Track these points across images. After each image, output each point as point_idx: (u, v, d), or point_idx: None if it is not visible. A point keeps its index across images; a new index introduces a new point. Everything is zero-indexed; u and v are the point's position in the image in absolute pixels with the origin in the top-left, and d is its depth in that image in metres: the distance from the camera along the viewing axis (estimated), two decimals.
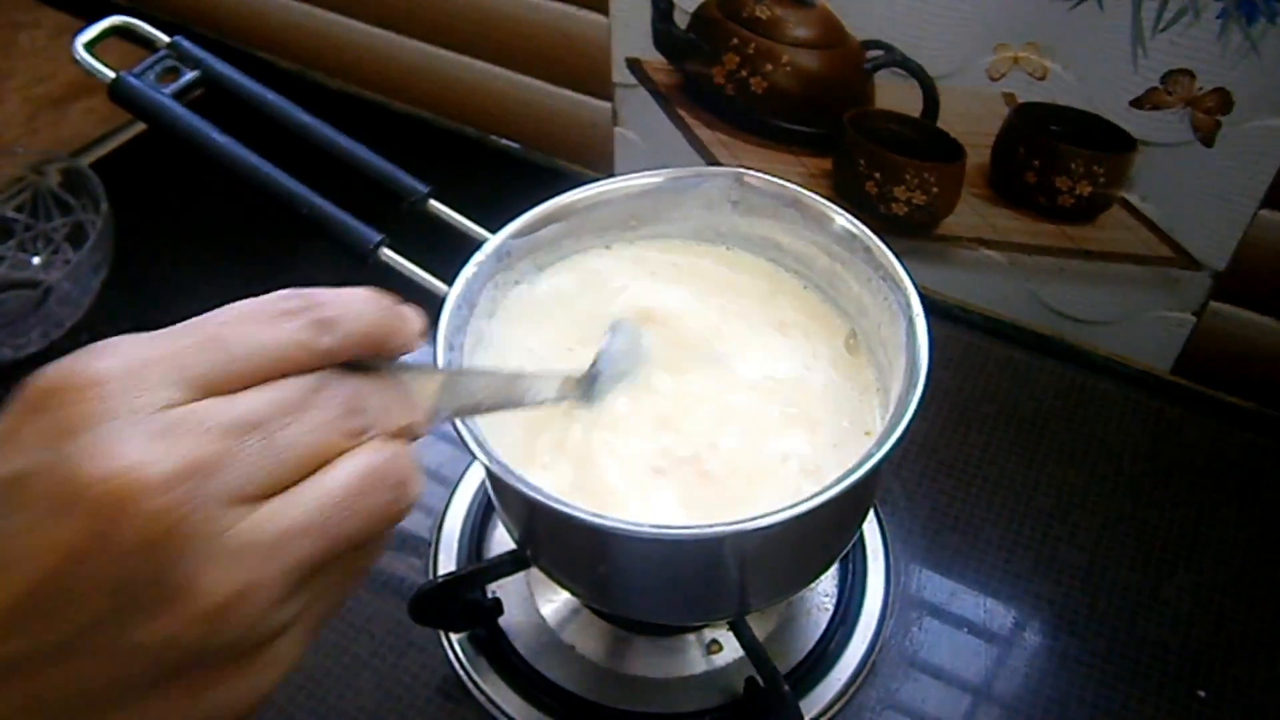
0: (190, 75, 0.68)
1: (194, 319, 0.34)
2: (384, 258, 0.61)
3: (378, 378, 0.37)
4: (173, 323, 0.33)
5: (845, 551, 0.76)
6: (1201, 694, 0.71)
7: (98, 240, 0.90)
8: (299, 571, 0.32)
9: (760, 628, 0.72)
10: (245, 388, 0.33)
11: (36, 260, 0.97)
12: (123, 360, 0.31)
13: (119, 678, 0.31)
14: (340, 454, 0.34)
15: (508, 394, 0.48)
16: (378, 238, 0.61)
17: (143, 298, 0.97)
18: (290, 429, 0.33)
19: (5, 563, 0.30)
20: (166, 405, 0.31)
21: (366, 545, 0.35)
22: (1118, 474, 0.83)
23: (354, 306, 0.36)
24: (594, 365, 0.59)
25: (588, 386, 0.58)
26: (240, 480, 0.31)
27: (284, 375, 0.34)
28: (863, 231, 0.63)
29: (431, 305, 0.59)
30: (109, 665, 0.31)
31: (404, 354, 0.38)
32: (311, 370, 0.34)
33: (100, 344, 0.32)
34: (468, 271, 0.62)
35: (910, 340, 0.57)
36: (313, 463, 0.33)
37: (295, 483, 0.33)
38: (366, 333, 0.36)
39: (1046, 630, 0.75)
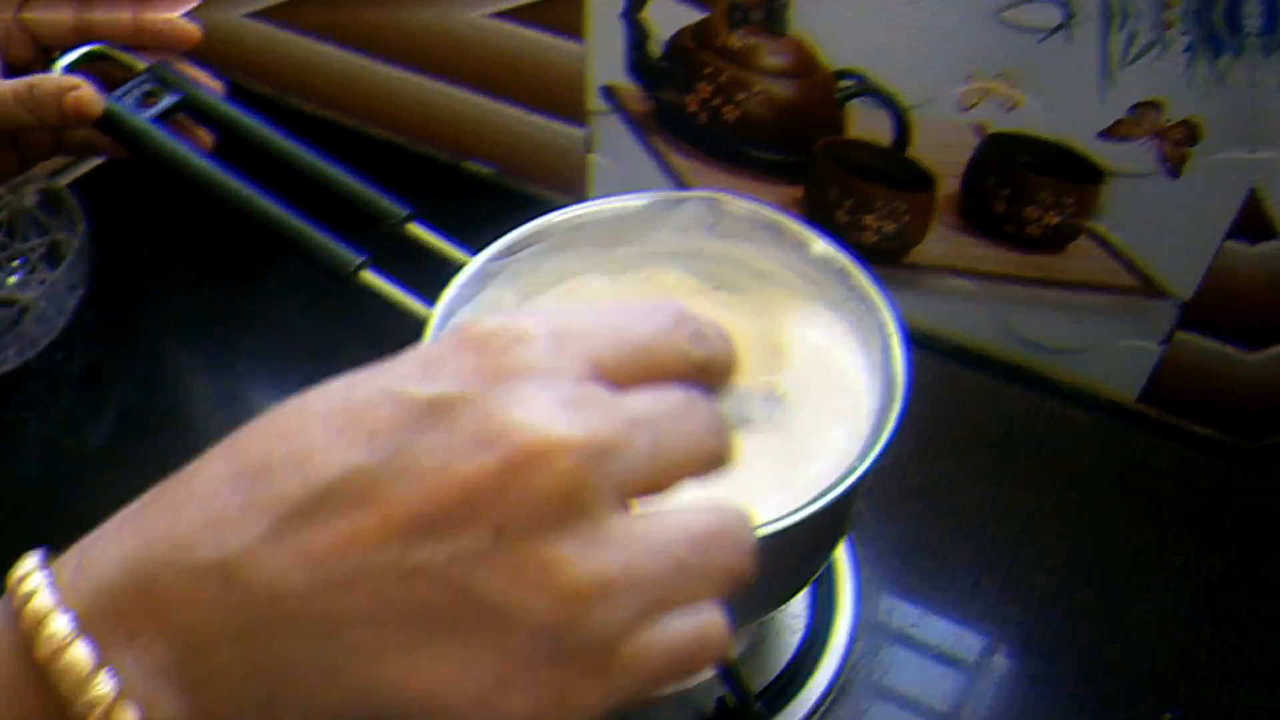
0: (172, 98, 0.68)
1: (587, 306, 0.36)
2: (365, 278, 0.62)
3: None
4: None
5: (819, 573, 0.76)
6: (1168, 716, 0.72)
7: (75, 260, 0.90)
8: (645, 596, 0.31)
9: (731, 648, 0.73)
10: (630, 382, 0.33)
11: (12, 280, 0.97)
12: (550, 325, 0.33)
13: (448, 616, 0.31)
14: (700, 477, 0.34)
15: None
16: (361, 258, 0.62)
17: (119, 317, 0.96)
18: (675, 433, 0.33)
19: (420, 473, 0.31)
20: (577, 376, 0.32)
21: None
22: (1085, 500, 0.84)
23: (720, 329, 0.36)
24: None
25: None
26: (628, 471, 0.32)
27: (661, 379, 0.34)
28: (837, 253, 0.64)
29: (411, 328, 0.60)
30: (449, 599, 0.31)
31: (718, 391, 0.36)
32: (682, 380, 0.34)
33: (526, 309, 0.34)
34: (449, 293, 0.62)
35: (887, 360, 0.58)
36: (682, 474, 0.33)
37: (663, 490, 0.33)
38: (729, 359, 0.36)
39: (1015, 653, 0.75)
